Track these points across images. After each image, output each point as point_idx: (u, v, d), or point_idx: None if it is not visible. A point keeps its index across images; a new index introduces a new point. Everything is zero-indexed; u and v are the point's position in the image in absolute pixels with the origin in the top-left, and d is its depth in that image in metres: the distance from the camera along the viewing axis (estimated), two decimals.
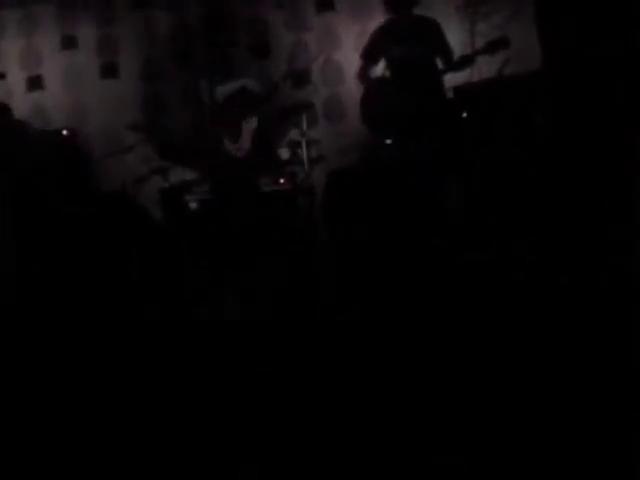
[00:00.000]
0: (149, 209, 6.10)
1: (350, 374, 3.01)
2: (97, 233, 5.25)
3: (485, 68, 5.99)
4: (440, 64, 5.76)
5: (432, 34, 5.78)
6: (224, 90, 5.58)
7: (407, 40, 5.68)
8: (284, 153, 6.18)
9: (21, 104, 7.24)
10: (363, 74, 5.94)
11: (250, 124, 5.74)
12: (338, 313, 3.89)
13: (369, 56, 5.96)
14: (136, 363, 3.45)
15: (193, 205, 5.89)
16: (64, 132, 6.83)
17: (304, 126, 6.03)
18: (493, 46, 5.47)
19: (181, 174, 6.19)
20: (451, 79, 6.05)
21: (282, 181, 5.96)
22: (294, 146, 6.12)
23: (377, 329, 3.48)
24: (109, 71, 7.52)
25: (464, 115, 6.18)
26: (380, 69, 5.89)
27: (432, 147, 5.42)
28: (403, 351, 3.17)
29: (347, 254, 4.96)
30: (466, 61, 5.59)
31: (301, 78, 7.10)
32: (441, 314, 3.54)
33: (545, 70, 5.98)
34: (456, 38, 6.41)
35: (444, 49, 5.76)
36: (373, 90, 5.75)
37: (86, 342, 3.81)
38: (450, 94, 6.11)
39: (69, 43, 7.53)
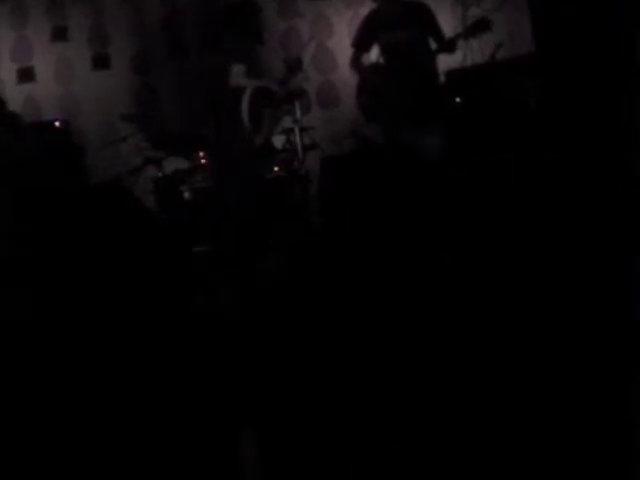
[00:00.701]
0: (143, 199, 6.10)
1: (343, 365, 3.01)
2: (91, 224, 5.24)
3: (477, 52, 6.01)
4: (433, 46, 5.73)
5: (422, 17, 5.75)
6: (250, 83, 5.53)
7: (398, 25, 5.65)
8: (278, 141, 6.18)
9: (13, 96, 7.20)
10: (356, 62, 5.89)
11: (267, 115, 5.72)
12: (332, 301, 3.88)
13: (361, 44, 5.92)
14: (133, 356, 3.45)
15: (187, 195, 5.90)
16: (56, 123, 6.81)
17: (297, 113, 6.03)
18: (474, 28, 5.45)
19: (174, 164, 6.19)
20: (443, 64, 6.06)
21: (277, 169, 5.97)
22: (288, 133, 6.12)
23: (373, 317, 3.48)
24: (101, 62, 7.49)
25: (457, 100, 6.19)
26: (374, 56, 5.86)
27: (431, 132, 5.41)
28: (398, 341, 3.17)
29: (342, 240, 4.96)
30: (451, 44, 5.56)
31: (293, 65, 7.10)
32: (438, 304, 3.53)
33: (537, 53, 6.00)
34: (449, 23, 6.40)
35: (435, 30, 5.72)
36: (368, 77, 5.73)
37: (84, 335, 3.81)
38: (442, 78, 6.11)
39: (60, 34, 7.48)
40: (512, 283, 3.67)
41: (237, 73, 5.40)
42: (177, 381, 3.05)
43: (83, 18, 7.51)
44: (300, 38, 6.89)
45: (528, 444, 2.26)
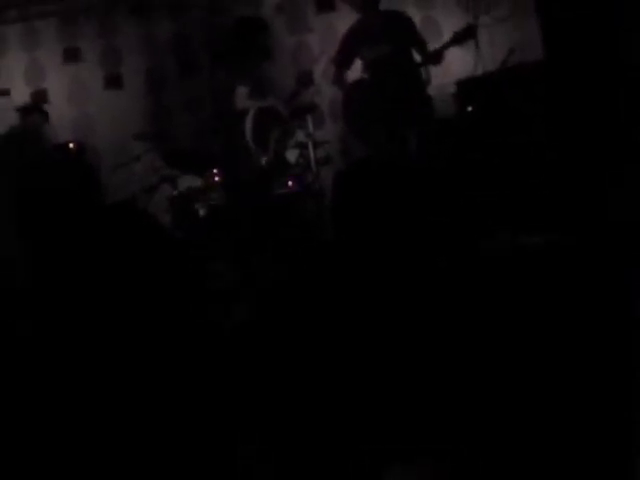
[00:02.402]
0: (159, 217, 6.12)
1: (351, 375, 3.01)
2: (107, 244, 5.26)
3: (489, 61, 5.99)
4: (417, 57, 5.65)
5: (403, 28, 5.67)
6: (253, 104, 5.56)
7: (380, 39, 5.56)
8: (291, 155, 6.18)
9: None
10: (339, 79, 5.80)
11: (274, 135, 5.73)
12: (343, 313, 3.88)
13: (342, 60, 5.82)
14: (147, 372, 3.46)
15: (202, 212, 5.91)
16: (71, 145, 6.84)
17: (310, 128, 6.04)
18: (460, 37, 5.41)
19: (189, 181, 6.21)
20: (454, 72, 6.04)
21: (290, 184, 5.97)
22: (301, 148, 6.13)
23: (381, 329, 3.47)
24: (113, 82, 7.54)
25: (469, 109, 6.17)
26: (358, 70, 5.78)
27: (419, 144, 5.37)
28: (405, 351, 3.16)
29: (356, 255, 4.95)
30: (435, 56, 5.50)
31: (305, 79, 7.12)
32: (446, 316, 3.52)
33: (547, 61, 5.97)
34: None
35: (417, 41, 5.65)
36: (353, 93, 5.65)
37: (96, 352, 3.82)
38: (453, 88, 6.09)
39: (72, 55, 7.55)
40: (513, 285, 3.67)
41: (240, 95, 5.45)
42: (191, 398, 3.05)
43: (95, 39, 7.57)
44: (311, 52, 6.89)
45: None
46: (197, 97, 7.22)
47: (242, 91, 5.48)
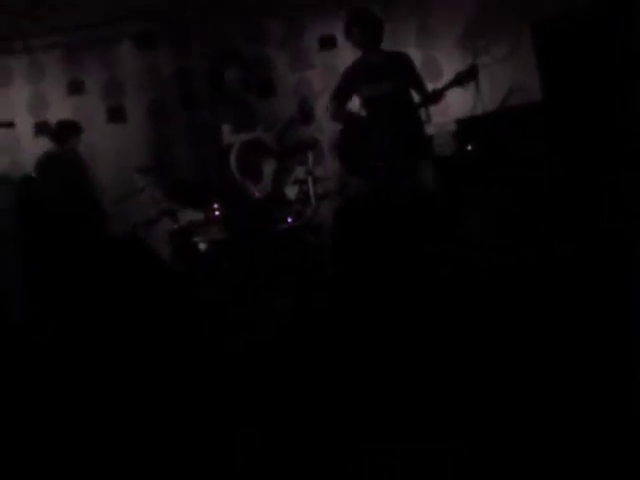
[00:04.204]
0: (159, 250, 6.15)
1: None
2: (107, 275, 5.29)
3: (488, 100, 6.05)
4: (415, 97, 5.70)
5: (403, 68, 5.71)
6: (238, 138, 5.64)
7: (379, 77, 5.61)
8: (291, 191, 6.22)
9: (29, 149, 7.33)
10: (337, 115, 5.82)
11: (270, 166, 5.78)
12: (344, 348, 3.90)
13: (341, 96, 5.85)
14: (148, 400, 3.47)
15: (202, 246, 5.94)
16: None
17: (310, 164, 6.08)
18: (462, 77, 5.45)
19: (190, 215, 6.24)
20: (453, 111, 6.11)
21: (290, 220, 6.01)
22: (301, 184, 6.17)
23: (383, 364, 3.50)
24: (116, 114, 7.61)
25: (468, 148, 6.23)
26: (355, 107, 5.82)
27: (415, 182, 5.41)
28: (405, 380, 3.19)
29: (356, 290, 4.98)
30: (438, 94, 5.54)
31: (306, 116, 7.18)
32: (447, 346, 3.55)
33: (545, 101, 6.05)
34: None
35: (417, 81, 5.69)
36: (349, 130, 5.69)
37: (96, 383, 3.84)
38: (453, 126, 6.15)
39: (76, 88, 7.63)
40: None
41: (226, 131, 5.55)
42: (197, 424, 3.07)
43: (98, 71, 7.65)
44: (312, 89, 6.95)
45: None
46: (198, 130, 7.27)
47: (226, 128, 5.60)
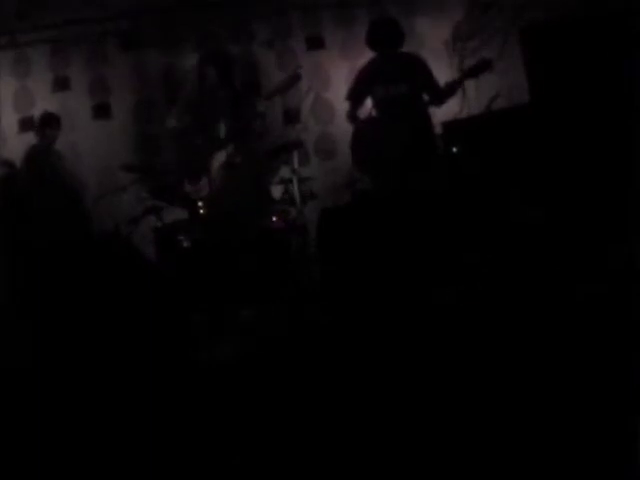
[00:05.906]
0: (143, 249, 6.11)
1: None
2: (90, 274, 5.26)
3: (474, 103, 6.06)
4: (427, 99, 5.78)
5: (418, 71, 5.79)
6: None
7: (393, 79, 5.70)
8: (276, 191, 6.21)
9: (14, 145, 7.27)
10: (353, 115, 5.96)
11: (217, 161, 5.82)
12: (333, 350, 3.90)
13: (355, 96, 5.96)
14: (133, 408, 3.46)
15: (186, 244, 5.91)
16: None
17: (295, 164, 6.07)
18: (476, 69, 5.52)
19: (174, 214, 6.21)
20: (439, 114, 6.11)
21: (275, 219, 6.00)
22: (286, 184, 6.16)
23: (372, 369, 3.50)
24: (102, 111, 7.57)
25: (454, 150, 6.24)
26: (368, 108, 5.91)
27: (424, 182, 5.44)
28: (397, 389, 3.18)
29: (340, 293, 4.98)
30: (453, 87, 5.62)
31: (292, 116, 7.18)
32: (440, 352, 3.55)
33: (532, 104, 6.05)
34: (447, 74, 6.46)
35: (431, 86, 5.77)
36: (361, 130, 5.77)
37: (82, 386, 3.82)
38: (439, 129, 6.16)
39: (62, 84, 7.57)
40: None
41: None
42: (182, 434, 3.06)
43: (84, 68, 7.60)
44: (298, 89, 6.93)
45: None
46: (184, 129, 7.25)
47: None
